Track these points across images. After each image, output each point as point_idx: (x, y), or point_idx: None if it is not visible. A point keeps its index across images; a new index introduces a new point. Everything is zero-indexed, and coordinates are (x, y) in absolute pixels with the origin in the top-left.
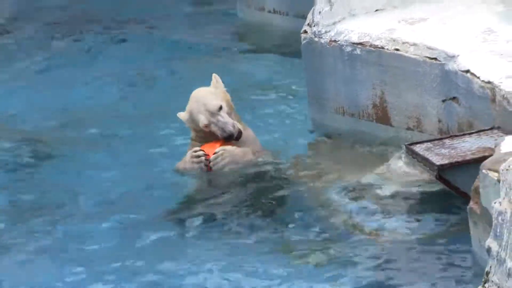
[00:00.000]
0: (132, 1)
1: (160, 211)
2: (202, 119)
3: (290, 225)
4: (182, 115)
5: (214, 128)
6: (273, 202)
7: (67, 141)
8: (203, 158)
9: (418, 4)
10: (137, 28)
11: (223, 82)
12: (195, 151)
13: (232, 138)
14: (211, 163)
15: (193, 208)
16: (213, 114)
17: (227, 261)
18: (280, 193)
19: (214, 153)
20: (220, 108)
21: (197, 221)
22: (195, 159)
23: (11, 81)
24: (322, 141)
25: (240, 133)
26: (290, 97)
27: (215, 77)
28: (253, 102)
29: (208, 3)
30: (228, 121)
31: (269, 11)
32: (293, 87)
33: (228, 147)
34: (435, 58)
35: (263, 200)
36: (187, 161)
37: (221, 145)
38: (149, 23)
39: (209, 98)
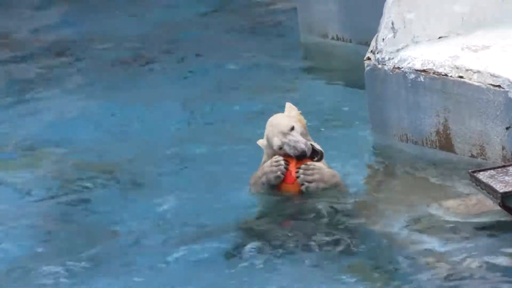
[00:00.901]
0: (190, 32)
1: (229, 231)
2: (276, 141)
3: (356, 253)
4: (261, 142)
5: (287, 148)
6: (338, 227)
7: (137, 159)
8: (283, 162)
9: (481, 32)
10: (198, 58)
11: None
12: (277, 160)
13: (304, 156)
14: (300, 174)
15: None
16: (285, 134)
17: None
18: (344, 219)
19: (303, 168)
20: (292, 128)
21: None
22: (274, 163)
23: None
24: (385, 167)
25: (316, 152)
26: (353, 123)
27: (288, 105)
28: (316, 128)
29: (269, 30)
30: (300, 139)
31: (332, 38)
32: (356, 114)
33: (318, 164)
34: (499, 86)
35: (328, 228)
36: (265, 166)
37: (296, 165)
38: (208, 50)
39: (281, 120)
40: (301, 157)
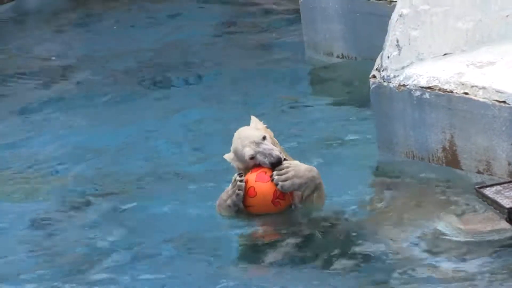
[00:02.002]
0: (195, 52)
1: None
2: (247, 151)
3: (361, 270)
4: (228, 156)
5: (260, 158)
6: (343, 244)
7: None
8: (240, 182)
9: (486, 48)
10: (204, 73)
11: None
12: (240, 174)
13: (280, 162)
14: (275, 178)
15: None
16: (257, 144)
17: None
18: (350, 236)
19: (277, 169)
20: (264, 138)
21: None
22: (232, 183)
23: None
24: (392, 184)
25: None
26: (359, 141)
27: (253, 118)
28: (321, 146)
29: (274, 50)
30: (273, 147)
31: (338, 56)
32: (363, 131)
33: (294, 162)
34: (504, 101)
35: (333, 245)
36: (228, 190)
37: (270, 173)
38: (216, 69)
39: (251, 131)
40: (276, 164)
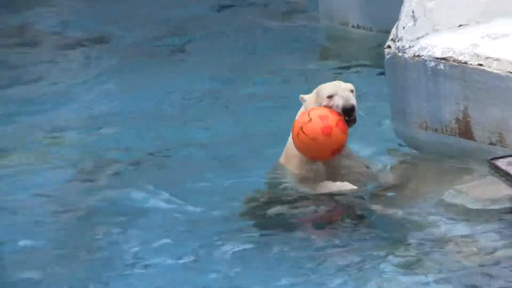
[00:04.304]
0: (213, 17)
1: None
2: (328, 88)
3: (376, 237)
4: (305, 96)
5: (337, 99)
6: (356, 214)
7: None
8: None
9: (501, 20)
10: (219, 42)
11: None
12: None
13: (353, 112)
14: None
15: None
16: (342, 89)
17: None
18: (363, 205)
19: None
20: (352, 91)
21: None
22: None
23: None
24: (405, 155)
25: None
26: (374, 111)
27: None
28: None
29: (290, 18)
30: (353, 99)
31: (353, 26)
32: (377, 102)
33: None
34: None
35: (347, 215)
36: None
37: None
38: (230, 36)
39: (342, 83)
40: (349, 112)
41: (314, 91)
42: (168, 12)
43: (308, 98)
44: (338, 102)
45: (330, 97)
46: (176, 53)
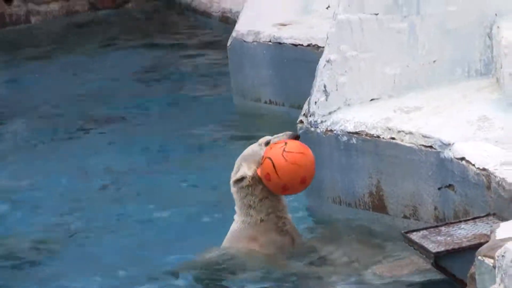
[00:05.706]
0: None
1: None
2: (261, 140)
3: None
4: (243, 171)
5: (275, 141)
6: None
7: None
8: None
9: (413, 93)
10: (127, 121)
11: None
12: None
13: (298, 136)
14: None
15: None
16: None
17: None
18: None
19: None
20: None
21: None
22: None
23: None
24: (319, 230)
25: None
26: None
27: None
28: None
29: (203, 92)
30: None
31: (265, 102)
32: None
33: None
34: (431, 146)
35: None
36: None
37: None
38: (151, 107)
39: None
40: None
41: (236, 168)
42: None
43: (239, 176)
44: (282, 137)
45: (268, 143)
46: None
